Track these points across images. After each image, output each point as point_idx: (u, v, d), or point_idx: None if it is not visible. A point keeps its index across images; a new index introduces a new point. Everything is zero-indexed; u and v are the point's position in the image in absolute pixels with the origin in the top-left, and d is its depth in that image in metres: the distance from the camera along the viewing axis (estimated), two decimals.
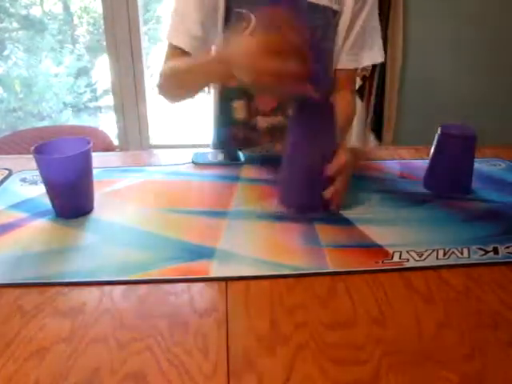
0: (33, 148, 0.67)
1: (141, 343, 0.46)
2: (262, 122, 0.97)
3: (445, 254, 0.61)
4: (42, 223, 0.68)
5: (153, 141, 2.37)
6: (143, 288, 0.55)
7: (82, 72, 2.75)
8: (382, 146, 1.99)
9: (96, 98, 2.84)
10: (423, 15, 2.02)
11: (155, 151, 1.09)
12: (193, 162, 0.90)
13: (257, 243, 0.63)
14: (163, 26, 2.70)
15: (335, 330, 0.48)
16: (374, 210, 0.72)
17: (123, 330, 0.48)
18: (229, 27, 0.88)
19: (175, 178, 0.84)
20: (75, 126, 2.14)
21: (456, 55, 2.08)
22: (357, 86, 2.12)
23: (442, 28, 2.04)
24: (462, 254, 0.61)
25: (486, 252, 0.61)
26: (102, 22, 2.15)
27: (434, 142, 0.78)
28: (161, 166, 0.90)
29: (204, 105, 1.08)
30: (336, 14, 0.91)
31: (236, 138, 1.01)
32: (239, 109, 0.98)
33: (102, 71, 2.60)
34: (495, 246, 0.63)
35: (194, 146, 1.14)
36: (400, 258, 0.60)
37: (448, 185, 0.78)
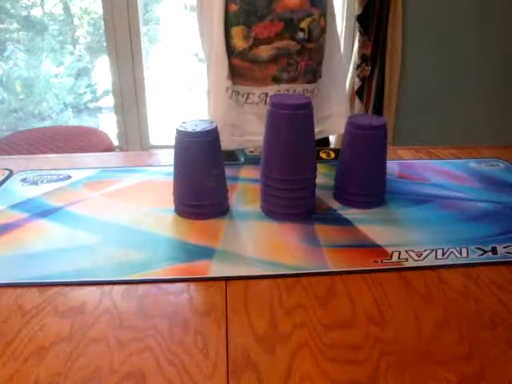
0: None
1: (141, 343, 0.46)
2: (265, 50, 0.87)
3: (443, 254, 0.61)
4: (42, 223, 0.69)
5: (153, 141, 2.37)
6: (143, 288, 0.55)
7: (83, 73, 2.76)
8: None
9: (96, 99, 2.85)
10: (422, 16, 2.02)
11: (155, 151, 1.09)
12: None
13: (256, 243, 0.64)
14: (163, 26, 2.71)
15: (334, 329, 0.48)
16: (374, 210, 0.73)
17: (123, 330, 0.48)
18: None
19: None
20: (75, 127, 2.14)
21: (455, 55, 2.08)
22: (356, 87, 2.13)
23: (441, 28, 2.05)
24: (460, 253, 0.61)
25: (485, 252, 0.62)
26: (102, 22, 2.15)
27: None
28: (161, 166, 0.90)
29: (203, 103, 1.07)
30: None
31: (237, 72, 0.91)
32: (237, 35, 0.88)
33: (102, 72, 2.60)
34: (494, 245, 0.63)
35: None
36: (399, 258, 0.60)
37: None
